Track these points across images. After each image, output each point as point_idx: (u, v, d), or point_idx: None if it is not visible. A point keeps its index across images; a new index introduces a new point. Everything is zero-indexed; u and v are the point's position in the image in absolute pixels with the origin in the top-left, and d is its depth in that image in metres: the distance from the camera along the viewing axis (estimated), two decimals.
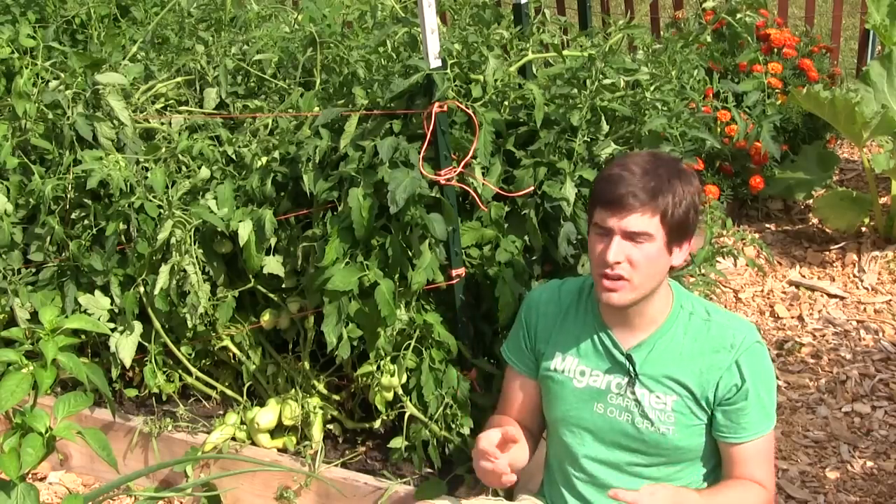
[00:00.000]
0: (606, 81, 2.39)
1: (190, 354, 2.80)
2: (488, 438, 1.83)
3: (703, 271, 2.56)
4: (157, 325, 2.71)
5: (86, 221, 2.76)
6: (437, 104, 2.24)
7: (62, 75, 2.78)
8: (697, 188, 1.82)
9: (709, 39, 3.95)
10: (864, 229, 4.05)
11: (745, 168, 4.09)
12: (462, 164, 2.35)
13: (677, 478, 1.91)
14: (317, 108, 2.67)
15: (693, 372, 1.84)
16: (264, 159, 2.62)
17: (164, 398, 2.87)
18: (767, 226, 4.24)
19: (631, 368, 1.88)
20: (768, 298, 3.74)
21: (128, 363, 2.70)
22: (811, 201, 4.19)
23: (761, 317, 3.64)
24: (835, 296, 3.69)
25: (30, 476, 1.90)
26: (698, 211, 1.83)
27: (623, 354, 1.89)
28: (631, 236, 1.76)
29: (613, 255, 1.76)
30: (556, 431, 2.01)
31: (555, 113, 2.42)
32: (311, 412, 2.63)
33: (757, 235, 4.08)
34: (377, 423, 2.57)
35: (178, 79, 3.03)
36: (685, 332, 1.86)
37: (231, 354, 2.78)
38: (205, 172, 2.65)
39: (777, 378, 3.23)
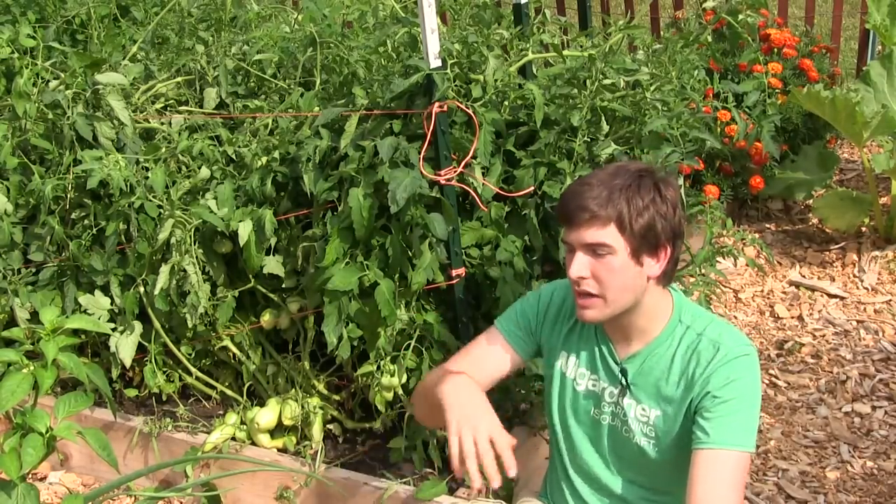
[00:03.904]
0: (606, 81, 2.39)
1: (190, 354, 2.80)
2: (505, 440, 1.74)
3: (703, 271, 2.56)
4: (157, 325, 2.71)
5: (86, 221, 2.76)
6: (437, 104, 2.24)
7: (62, 75, 2.78)
8: (667, 195, 1.76)
9: (709, 39, 3.96)
10: (864, 229, 4.05)
11: (745, 168, 4.09)
12: (462, 164, 2.35)
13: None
14: (317, 108, 2.67)
15: (677, 387, 1.81)
16: (264, 159, 2.63)
17: (164, 398, 2.87)
18: (767, 226, 4.24)
19: (623, 379, 1.88)
20: (768, 298, 3.74)
21: (128, 363, 2.70)
22: (811, 201, 4.19)
23: (761, 317, 3.64)
24: (835, 296, 3.69)
25: (30, 476, 1.89)
26: (671, 218, 1.76)
27: (618, 365, 1.89)
28: (591, 249, 1.74)
29: (574, 270, 1.76)
30: (557, 432, 2.02)
31: (555, 113, 2.42)
32: (311, 412, 2.63)
33: (757, 235, 4.08)
34: (377, 423, 2.57)
35: (178, 79, 3.03)
36: (678, 346, 1.83)
37: (231, 354, 2.78)
38: (205, 172, 2.65)
39: (777, 378, 3.24)
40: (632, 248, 1.74)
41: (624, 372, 1.87)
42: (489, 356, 2.01)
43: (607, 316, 1.80)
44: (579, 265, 1.76)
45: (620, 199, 1.73)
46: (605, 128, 2.40)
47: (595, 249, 1.74)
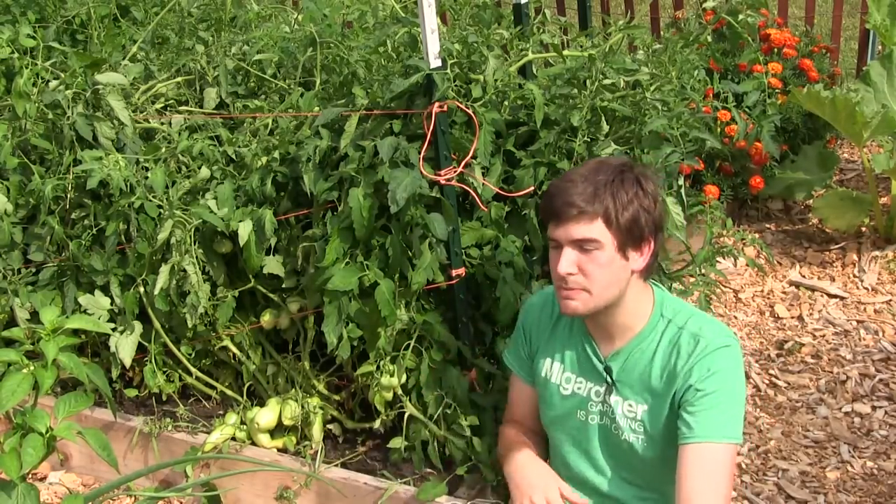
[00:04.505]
0: (606, 81, 2.39)
1: (190, 354, 2.80)
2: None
3: (703, 271, 2.56)
4: (157, 325, 2.71)
5: (86, 221, 2.76)
6: (437, 104, 2.24)
7: (62, 75, 2.78)
8: (649, 190, 1.79)
9: (709, 39, 3.96)
10: (864, 229, 4.05)
11: (745, 168, 4.09)
12: (462, 164, 2.35)
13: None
14: (317, 108, 2.67)
15: (661, 381, 1.82)
16: (264, 159, 2.63)
17: (164, 398, 2.87)
18: (767, 226, 4.24)
19: (608, 377, 1.88)
20: (768, 298, 3.74)
21: (128, 363, 2.70)
22: (811, 201, 4.19)
23: (761, 317, 3.64)
24: (835, 296, 3.69)
25: (30, 476, 1.90)
26: (654, 211, 1.79)
27: (602, 363, 1.89)
28: (578, 245, 1.76)
29: (563, 266, 1.77)
30: (549, 436, 2.03)
31: (555, 113, 2.42)
32: (311, 412, 2.63)
33: (757, 235, 4.07)
34: (377, 423, 2.57)
35: (178, 79, 3.03)
36: (660, 341, 1.84)
37: (231, 354, 2.78)
38: (205, 172, 2.65)
39: (777, 378, 3.24)
40: (618, 242, 1.76)
41: (608, 370, 1.88)
42: (516, 398, 2.12)
43: (591, 310, 1.81)
44: (567, 261, 1.77)
45: (606, 194, 1.75)
46: (605, 128, 2.40)
47: (583, 245, 1.76)
